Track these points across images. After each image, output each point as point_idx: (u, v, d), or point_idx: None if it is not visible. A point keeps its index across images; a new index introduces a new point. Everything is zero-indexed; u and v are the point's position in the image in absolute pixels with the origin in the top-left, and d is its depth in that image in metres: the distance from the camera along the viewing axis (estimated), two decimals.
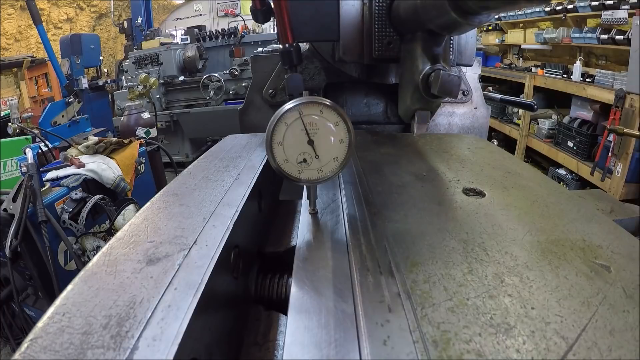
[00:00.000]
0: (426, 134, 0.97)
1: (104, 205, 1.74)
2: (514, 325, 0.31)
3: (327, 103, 0.46)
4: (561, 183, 3.35)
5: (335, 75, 1.11)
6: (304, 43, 1.13)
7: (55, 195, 1.65)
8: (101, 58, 5.89)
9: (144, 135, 2.77)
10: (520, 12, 4.22)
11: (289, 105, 0.46)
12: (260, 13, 0.80)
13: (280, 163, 0.47)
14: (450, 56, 0.85)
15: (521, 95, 4.03)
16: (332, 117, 0.46)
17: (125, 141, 2.21)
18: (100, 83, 5.46)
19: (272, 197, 0.76)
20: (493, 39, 5.22)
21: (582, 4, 3.31)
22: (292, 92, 0.54)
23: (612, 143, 2.74)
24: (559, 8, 3.56)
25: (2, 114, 3.34)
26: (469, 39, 0.88)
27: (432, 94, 0.57)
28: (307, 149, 0.47)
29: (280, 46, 0.58)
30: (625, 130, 2.05)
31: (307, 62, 1.12)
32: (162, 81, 4.70)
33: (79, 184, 1.76)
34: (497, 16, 4.54)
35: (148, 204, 0.53)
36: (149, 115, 3.02)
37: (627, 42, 2.75)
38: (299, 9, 0.84)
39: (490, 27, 5.17)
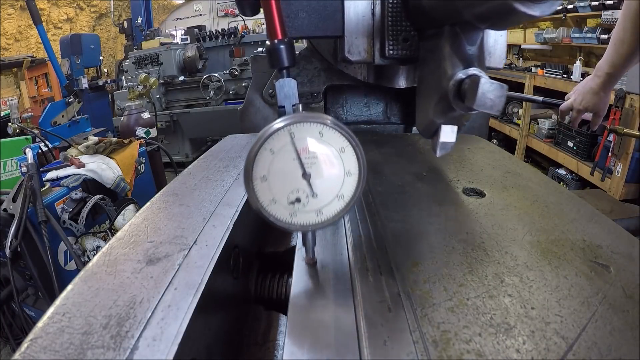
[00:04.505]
0: None
1: (104, 205, 1.74)
2: (514, 325, 0.31)
3: (329, 122, 0.35)
4: (561, 183, 3.35)
5: (337, 77, 1.02)
6: (302, 41, 1.06)
7: (55, 195, 1.65)
8: (101, 58, 5.88)
9: (144, 135, 2.77)
10: None
11: (276, 124, 0.34)
12: (247, 4, 0.67)
13: (264, 205, 0.36)
14: None
15: None
16: (336, 141, 0.35)
17: (125, 141, 2.21)
18: (100, 83, 5.45)
19: None
20: None
21: (582, 4, 3.31)
22: (283, 104, 0.43)
23: (612, 143, 2.73)
24: (559, 8, 3.56)
25: (2, 114, 3.34)
26: (499, 37, 0.71)
27: (466, 106, 0.45)
28: (302, 184, 0.36)
29: (268, 43, 0.46)
30: (625, 130, 2.05)
31: (304, 62, 1.02)
32: (162, 81, 4.70)
33: (79, 184, 1.76)
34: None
35: (148, 204, 0.53)
36: (149, 115, 3.02)
37: None
38: None
39: None
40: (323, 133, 0.35)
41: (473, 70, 0.45)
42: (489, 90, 0.41)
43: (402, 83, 0.94)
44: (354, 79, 0.97)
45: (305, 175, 0.36)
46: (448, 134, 0.52)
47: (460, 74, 0.46)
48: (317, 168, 0.36)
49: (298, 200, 0.36)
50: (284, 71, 0.45)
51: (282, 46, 0.45)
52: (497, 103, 0.41)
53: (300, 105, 0.45)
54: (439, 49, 0.53)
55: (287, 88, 0.44)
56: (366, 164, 0.36)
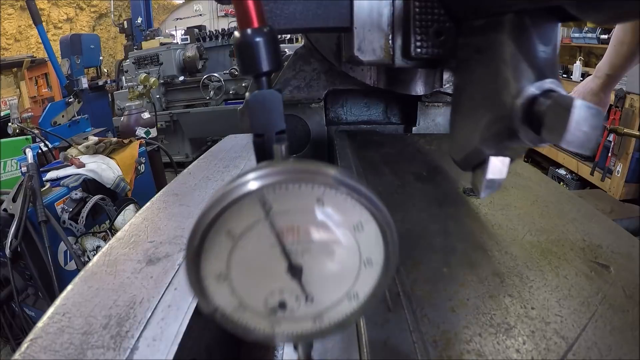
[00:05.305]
0: (426, 133, 0.97)
1: (104, 205, 1.74)
2: (514, 325, 0.31)
3: (332, 180, 0.20)
4: (561, 183, 3.35)
5: (340, 80, 0.87)
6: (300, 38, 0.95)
7: (55, 195, 1.65)
8: (101, 58, 5.88)
9: (144, 135, 2.78)
10: None
11: (240, 185, 0.19)
12: None
13: (227, 312, 0.22)
14: None
15: None
16: (349, 214, 0.21)
17: (125, 141, 2.21)
18: (100, 83, 5.46)
19: None
20: None
21: None
22: (261, 131, 0.27)
23: (612, 143, 2.74)
24: None
25: (2, 114, 3.34)
26: None
27: (540, 138, 0.30)
28: (287, 283, 0.22)
29: (237, 34, 0.28)
30: (625, 130, 2.05)
31: (301, 62, 0.87)
32: (162, 81, 4.70)
33: (79, 184, 1.76)
34: None
35: (148, 204, 0.53)
36: (149, 115, 3.03)
37: None
38: None
39: None
40: (324, 200, 0.20)
41: (550, 84, 0.30)
42: (585, 119, 0.24)
43: (420, 89, 0.79)
44: (362, 83, 0.81)
45: (294, 271, 0.21)
46: (497, 168, 0.35)
47: (532, 89, 0.30)
48: (314, 256, 0.21)
49: (282, 305, 0.22)
50: (263, 79, 0.28)
51: (258, 39, 0.26)
52: (592, 138, 0.25)
53: (283, 146, 0.23)
54: (494, 48, 0.37)
55: (268, 106, 0.27)
56: (398, 246, 0.23)
